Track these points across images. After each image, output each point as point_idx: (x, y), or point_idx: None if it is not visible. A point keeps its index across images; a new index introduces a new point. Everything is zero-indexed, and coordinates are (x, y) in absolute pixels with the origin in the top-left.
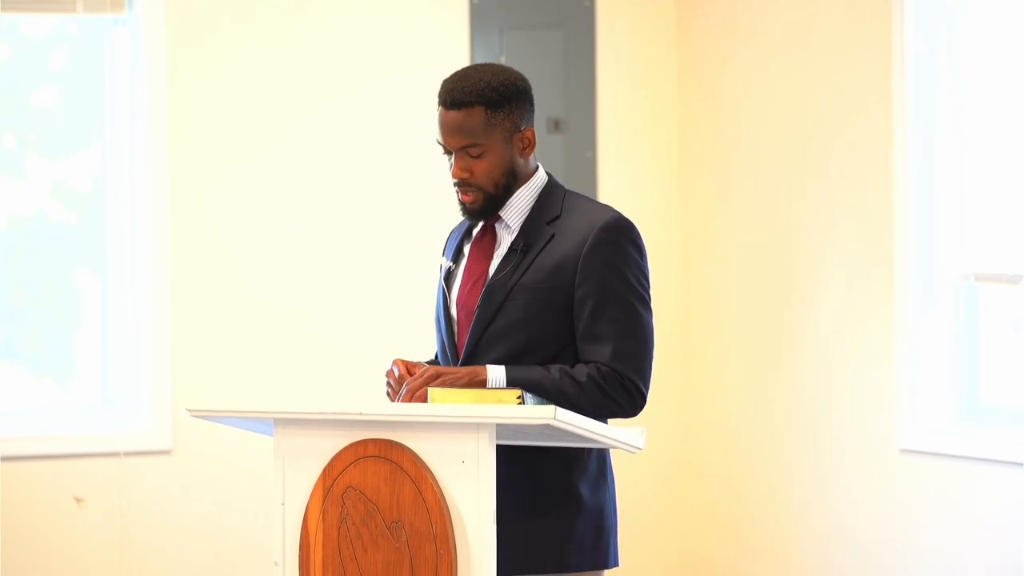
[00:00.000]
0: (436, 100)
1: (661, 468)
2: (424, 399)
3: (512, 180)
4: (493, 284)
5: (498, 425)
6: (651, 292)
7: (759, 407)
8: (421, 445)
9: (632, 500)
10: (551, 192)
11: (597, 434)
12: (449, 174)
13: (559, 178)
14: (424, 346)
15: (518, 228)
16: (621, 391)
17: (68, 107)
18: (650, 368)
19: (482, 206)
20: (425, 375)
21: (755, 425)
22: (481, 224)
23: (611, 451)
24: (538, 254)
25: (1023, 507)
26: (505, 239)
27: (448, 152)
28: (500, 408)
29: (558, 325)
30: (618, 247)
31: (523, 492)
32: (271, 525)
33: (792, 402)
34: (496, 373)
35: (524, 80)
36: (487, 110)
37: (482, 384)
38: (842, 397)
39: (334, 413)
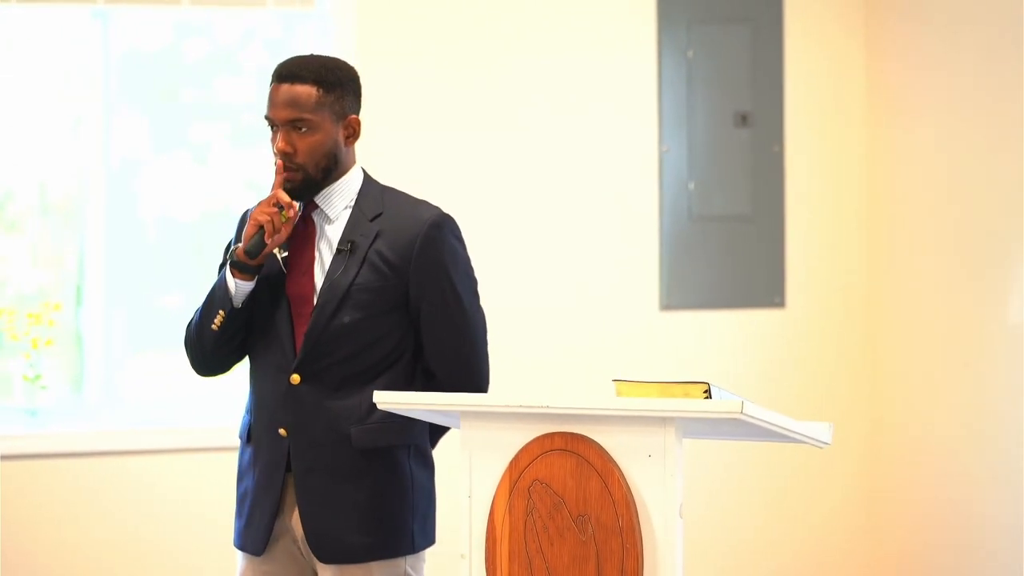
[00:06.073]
0: (606, 94)
1: (846, 466)
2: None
3: (333, 165)
4: (329, 285)
5: (686, 419)
6: (477, 279)
7: (948, 405)
8: (607, 439)
9: (816, 496)
10: (369, 187)
11: (785, 429)
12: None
13: (747, 171)
14: (612, 342)
15: (342, 223)
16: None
17: (259, 101)
18: (486, 361)
19: (299, 186)
20: None
21: (944, 424)
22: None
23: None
24: (367, 252)
25: None
26: (325, 229)
27: (273, 126)
28: (686, 402)
29: (396, 320)
30: (446, 244)
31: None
32: (457, 518)
33: (982, 400)
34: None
35: (355, 70)
36: (319, 89)
37: None
38: None
39: (520, 406)
